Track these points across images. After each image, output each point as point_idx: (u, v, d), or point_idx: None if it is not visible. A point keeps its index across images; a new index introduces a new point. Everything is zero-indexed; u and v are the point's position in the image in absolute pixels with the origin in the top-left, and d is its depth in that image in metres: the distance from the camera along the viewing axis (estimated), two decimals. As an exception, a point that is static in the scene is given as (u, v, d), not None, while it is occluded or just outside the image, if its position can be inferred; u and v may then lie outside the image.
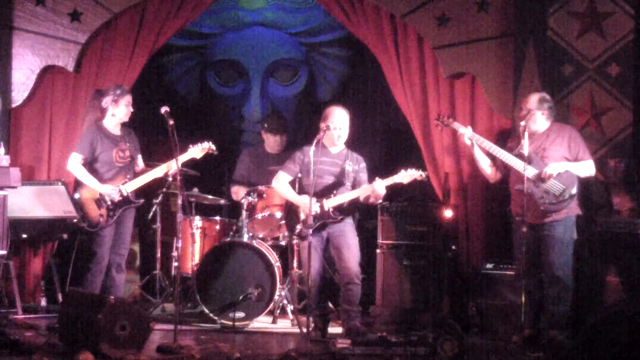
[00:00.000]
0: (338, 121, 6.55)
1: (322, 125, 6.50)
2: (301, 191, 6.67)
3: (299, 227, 6.57)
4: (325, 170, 6.57)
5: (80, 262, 6.90)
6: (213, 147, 6.89)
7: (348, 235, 6.56)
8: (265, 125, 7.82)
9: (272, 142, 7.77)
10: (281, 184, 6.67)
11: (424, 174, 6.54)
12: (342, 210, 6.52)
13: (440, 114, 6.98)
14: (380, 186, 6.43)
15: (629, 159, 6.98)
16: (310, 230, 6.33)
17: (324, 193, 6.53)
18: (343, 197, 6.52)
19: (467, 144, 6.67)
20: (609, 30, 7.16)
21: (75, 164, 6.81)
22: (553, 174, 6.32)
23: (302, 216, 6.53)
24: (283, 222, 6.92)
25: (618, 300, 6.38)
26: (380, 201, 6.67)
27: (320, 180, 6.53)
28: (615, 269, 6.58)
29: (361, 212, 7.30)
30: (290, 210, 6.69)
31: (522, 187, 6.26)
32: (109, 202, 6.71)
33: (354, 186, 6.62)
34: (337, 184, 6.58)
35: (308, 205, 6.30)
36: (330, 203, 6.49)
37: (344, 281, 6.52)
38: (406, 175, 6.46)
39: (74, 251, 7.04)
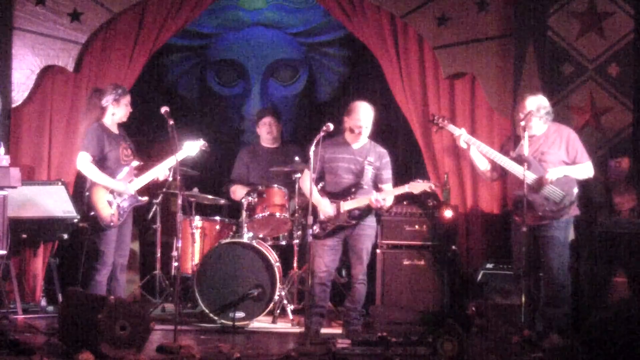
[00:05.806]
0: (364, 119, 6.44)
1: (346, 119, 6.46)
2: (321, 189, 6.60)
3: (315, 227, 6.47)
4: (345, 169, 6.48)
5: (87, 263, 6.85)
6: (206, 144, 7.00)
7: (364, 239, 6.52)
8: (255, 116, 7.93)
9: (265, 130, 7.70)
10: (306, 182, 6.48)
11: (432, 186, 6.54)
12: (357, 216, 6.46)
13: (434, 115, 6.86)
14: (389, 199, 6.50)
15: (625, 159, 6.99)
16: (318, 229, 6.39)
17: (342, 194, 6.47)
18: (359, 201, 6.44)
19: (463, 147, 6.61)
20: (609, 30, 7.17)
21: (86, 163, 6.58)
22: (552, 179, 6.29)
23: (321, 216, 6.48)
24: (300, 217, 7.03)
25: (619, 299, 6.37)
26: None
27: (339, 179, 6.49)
28: (622, 269, 6.57)
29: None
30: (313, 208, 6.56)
31: (521, 193, 6.21)
32: (120, 201, 6.67)
33: (376, 183, 6.55)
34: (355, 185, 6.48)
35: (325, 210, 6.39)
36: (346, 206, 6.44)
37: (352, 280, 6.56)
38: (417, 186, 6.45)
39: (81, 252, 7.01)
